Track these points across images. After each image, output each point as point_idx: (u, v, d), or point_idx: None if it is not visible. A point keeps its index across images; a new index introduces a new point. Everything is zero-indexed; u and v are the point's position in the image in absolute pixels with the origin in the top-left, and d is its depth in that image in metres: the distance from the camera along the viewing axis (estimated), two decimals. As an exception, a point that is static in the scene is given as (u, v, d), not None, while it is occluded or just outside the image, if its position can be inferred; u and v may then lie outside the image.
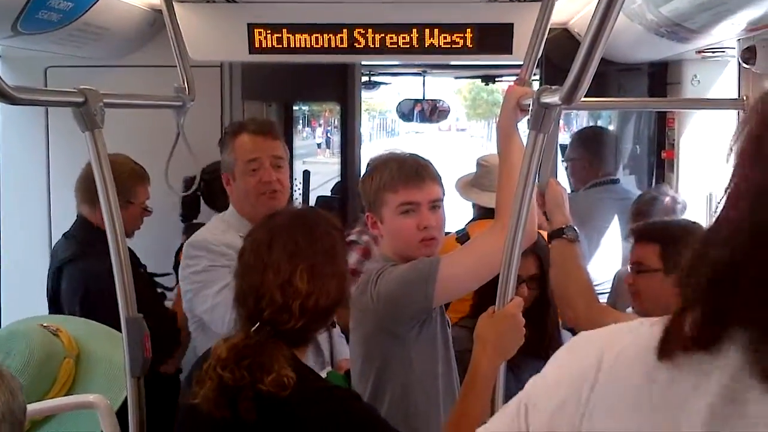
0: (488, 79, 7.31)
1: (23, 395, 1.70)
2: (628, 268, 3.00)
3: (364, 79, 6.88)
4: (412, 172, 2.58)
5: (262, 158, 3.06)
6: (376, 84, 7.65)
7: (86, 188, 3.45)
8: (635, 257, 2.90)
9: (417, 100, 7.97)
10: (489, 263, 2.34)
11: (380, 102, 33.10)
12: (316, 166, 7.78)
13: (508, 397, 1.39)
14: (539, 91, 2.07)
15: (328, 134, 10.17)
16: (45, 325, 2.32)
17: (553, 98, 1.91)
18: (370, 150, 6.52)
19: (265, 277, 1.96)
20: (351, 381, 2.58)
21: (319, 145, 11.32)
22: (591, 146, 4.78)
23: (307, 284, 1.94)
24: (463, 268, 2.49)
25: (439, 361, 2.57)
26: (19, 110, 4.19)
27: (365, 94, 8.20)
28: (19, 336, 2.23)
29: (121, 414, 2.20)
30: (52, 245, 4.34)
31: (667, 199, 3.90)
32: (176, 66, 3.14)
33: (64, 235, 3.72)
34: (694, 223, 3.21)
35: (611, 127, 5.97)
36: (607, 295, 4.04)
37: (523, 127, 2.51)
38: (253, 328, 1.93)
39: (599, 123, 6.53)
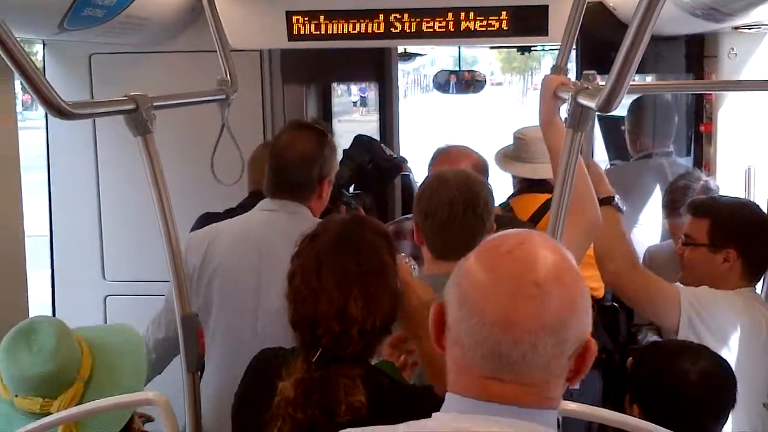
0: (523, 49, 7.32)
1: None
2: (676, 242, 3.12)
3: (399, 50, 6.91)
4: None
5: None
6: (412, 55, 7.69)
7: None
8: (686, 229, 3.07)
9: (452, 72, 7.98)
10: None
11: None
12: (351, 124, 7.78)
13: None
14: (576, 91, 2.12)
15: (362, 93, 10.13)
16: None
17: (590, 102, 1.95)
18: (406, 106, 6.52)
19: (319, 306, 1.99)
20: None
21: (354, 103, 11.30)
22: (631, 119, 4.82)
23: (362, 309, 1.97)
24: None
25: None
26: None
27: (402, 65, 8.21)
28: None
29: None
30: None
31: (699, 185, 3.90)
32: (215, 51, 3.22)
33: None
34: (749, 202, 3.29)
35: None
36: None
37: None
38: (314, 358, 1.96)
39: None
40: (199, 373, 2.50)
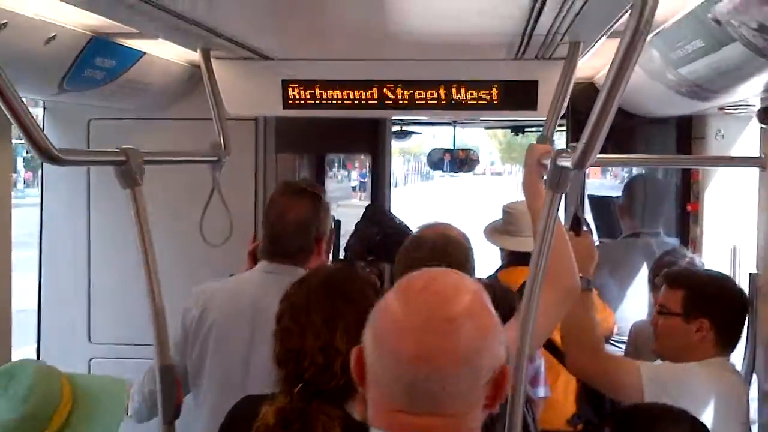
0: (517, 130, 7.41)
1: None
2: (655, 315, 3.13)
3: (395, 128, 7.00)
4: None
5: None
6: (408, 133, 7.76)
7: None
8: (661, 299, 3.07)
9: (447, 150, 8.05)
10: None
11: (416, 145, 33.34)
12: (349, 209, 7.83)
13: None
14: (556, 153, 2.18)
15: (362, 178, 10.26)
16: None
17: (566, 162, 2.01)
18: (405, 193, 6.63)
19: (306, 341, 2.04)
20: None
21: (354, 188, 11.41)
22: (624, 199, 4.88)
23: (347, 343, 2.00)
24: None
25: None
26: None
27: (398, 144, 8.29)
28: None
29: None
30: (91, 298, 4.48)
31: (685, 262, 3.94)
32: (212, 118, 3.29)
33: None
34: (723, 274, 3.33)
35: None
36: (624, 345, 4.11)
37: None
38: (296, 389, 2.00)
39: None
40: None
